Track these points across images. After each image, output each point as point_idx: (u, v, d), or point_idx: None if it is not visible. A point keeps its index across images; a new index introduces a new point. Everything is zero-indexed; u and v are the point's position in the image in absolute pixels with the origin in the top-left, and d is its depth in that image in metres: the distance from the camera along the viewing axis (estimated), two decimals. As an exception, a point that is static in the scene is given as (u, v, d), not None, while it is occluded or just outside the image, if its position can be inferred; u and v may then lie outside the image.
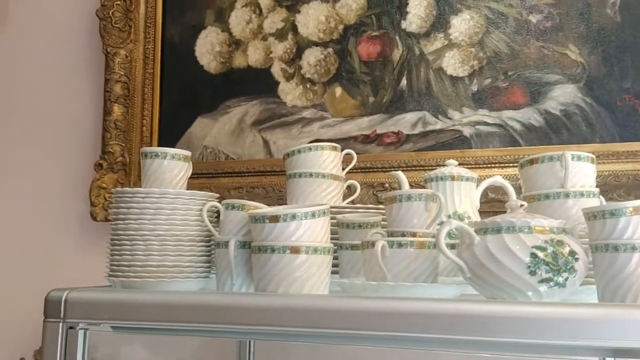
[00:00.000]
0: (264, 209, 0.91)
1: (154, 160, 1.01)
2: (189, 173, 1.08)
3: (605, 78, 1.38)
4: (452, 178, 1.13)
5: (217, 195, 1.08)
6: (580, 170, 0.92)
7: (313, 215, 0.84)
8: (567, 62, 1.41)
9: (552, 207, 0.90)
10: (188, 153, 1.08)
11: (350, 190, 1.29)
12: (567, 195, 0.90)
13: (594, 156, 0.97)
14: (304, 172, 1.11)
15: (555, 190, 0.90)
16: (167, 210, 0.96)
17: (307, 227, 0.84)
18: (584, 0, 1.41)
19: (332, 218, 1.00)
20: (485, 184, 1.15)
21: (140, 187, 1.05)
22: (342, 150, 1.23)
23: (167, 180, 1.00)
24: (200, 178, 1.61)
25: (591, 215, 0.79)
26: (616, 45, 1.38)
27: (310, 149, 1.13)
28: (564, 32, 1.42)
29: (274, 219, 0.83)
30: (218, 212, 1.01)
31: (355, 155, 1.26)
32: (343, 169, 1.23)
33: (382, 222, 1.07)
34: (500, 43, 1.46)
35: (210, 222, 1.00)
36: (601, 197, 0.95)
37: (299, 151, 1.13)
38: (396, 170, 1.45)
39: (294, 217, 0.83)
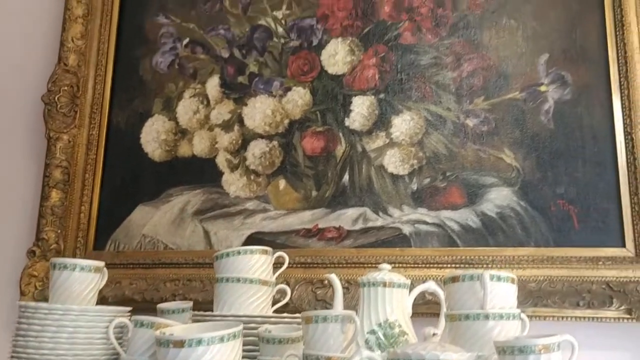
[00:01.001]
0: (171, 331, 0.86)
1: (62, 272, 0.98)
2: (102, 283, 1.04)
3: (540, 183, 1.41)
4: (384, 284, 1.11)
5: (128, 309, 1.04)
6: (500, 290, 0.92)
7: (222, 339, 0.81)
8: (502, 165, 1.44)
9: (472, 327, 0.88)
10: (100, 264, 1.05)
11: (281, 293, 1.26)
12: (486, 317, 0.89)
13: (514, 276, 0.97)
14: (231, 277, 1.08)
15: (475, 311, 0.89)
16: (70, 328, 0.91)
17: (215, 353, 0.80)
18: (519, 107, 1.46)
19: (254, 328, 0.96)
20: (417, 290, 1.14)
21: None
22: (275, 251, 1.21)
23: (75, 293, 0.96)
24: (136, 268, 1.56)
25: (501, 350, 0.77)
26: (550, 151, 1.42)
27: (239, 252, 1.11)
28: (499, 137, 1.46)
29: (179, 344, 0.79)
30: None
31: (286, 259, 1.24)
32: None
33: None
34: (439, 144, 1.49)
35: (119, 338, 0.95)
36: (523, 316, 0.95)
37: (227, 254, 1.11)
38: (336, 267, 1.46)
39: (200, 342, 0.79)
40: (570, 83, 1.44)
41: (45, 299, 1.53)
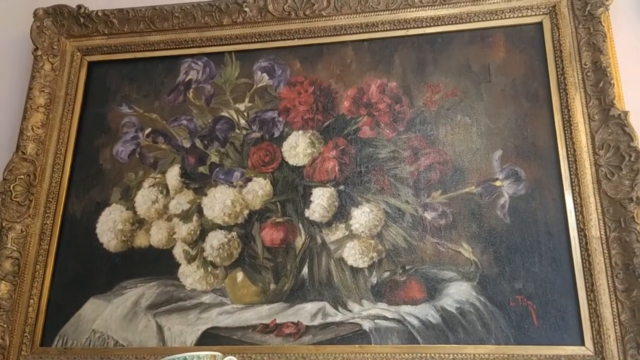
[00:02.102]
0: None
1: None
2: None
3: (498, 277, 1.41)
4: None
5: None
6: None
7: None
8: (461, 259, 1.44)
9: None
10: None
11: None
12: None
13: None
14: (175, 385, 1.02)
15: None
16: None
17: None
18: (475, 201, 1.48)
19: None
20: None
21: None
22: (225, 355, 1.17)
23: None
24: (83, 367, 1.48)
25: None
26: (507, 246, 1.43)
27: (185, 358, 1.06)
28: (457, 230, 1.47)
29: None
30: None
31: (236, 363, 1.19)
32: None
33: None
34: (398, 237, 1.49)
35: None
36: None
37: (172, 361, 1.06)
38: (294, 365, 1.40)
39: None
40: (523, 179, 1.47)
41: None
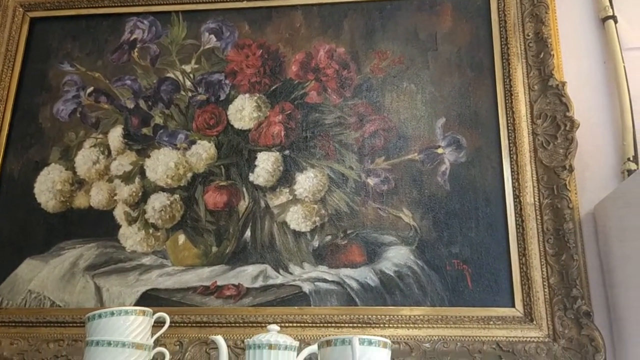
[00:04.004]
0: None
1: None
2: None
3: (436, 242, 1.44)
4: (270, 347, 1.09)
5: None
6: (372, 355, 0.90)
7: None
8: (401, 224, 1.46)
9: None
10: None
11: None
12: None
13: (387, 341, 0.97)
14: (101, 340, 1.01)
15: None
16: None
17: None
18: (417, 168, 1.50)
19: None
20: (304, 353, 1.12)
21: None
22: (154, 313, 1.16)
23: None
24: (18, 327, 1.45)
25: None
26: (445, 212, 1.46)
27: (112, 313, 1.05)
28: (398, 196, 1.48)
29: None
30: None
31: (167, 319, 1.18)
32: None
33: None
34: (341, 202, 1.50)
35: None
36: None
37: (99, 315, 1.04)
38: (233, 327, 1.41)
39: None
40: (465, 146, 1.50)
41: None
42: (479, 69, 1.55)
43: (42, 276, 1.51)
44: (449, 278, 1.41)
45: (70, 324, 1.44)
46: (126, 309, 1.06)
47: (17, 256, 1.53)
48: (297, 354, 1.12)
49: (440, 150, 1.50)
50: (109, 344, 1.00)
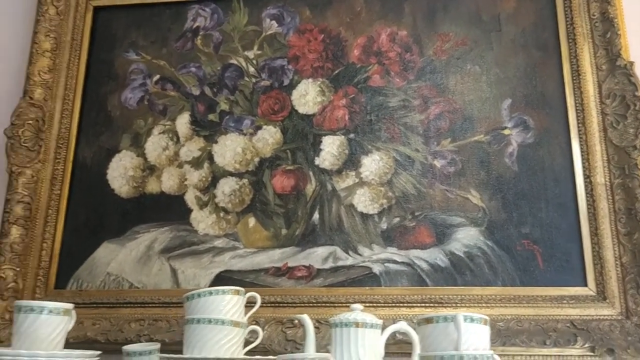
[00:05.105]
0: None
1: (28, 316, 0.94)
2: (70, 326, 1.01)
3: (505, 223, 1.45)
4: (356, 325, 1.12)
5: (97, 353, 1.01)
6: (473, 331, 0.93)
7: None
8: (469, 206, 1.48)
9: (448, 369, 0.89)
10: (69, 306, 1.01)
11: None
12: (461, 358, 0.90)
13: (487, 318, 0.99)
14: (202, 318, 1.06)
15: (449, 352, 0.90)
16: (36, 375, 0.87)
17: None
18: (484, 150, 1.51)
19: (228, 372, 0.94)
20: (389, 330, 1.14)
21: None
22: (246, 291, 1.20)
23: (42, 337, 0.93)
24: (99, 308, 1.51)
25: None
26: (514, 192, 1.47)
27: (211, 293, 1.09)
28: (466, 178, 1.50)
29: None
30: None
31: (259, 299, 1.23)
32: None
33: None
34: (408, 184, 1.52)
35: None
36: (496, 357, 0.96)
37: (199, 295, 1.09)
38: (306, 307, 1.45)
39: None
40: (532, 127, 1.50)
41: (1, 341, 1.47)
42: (544, 49, 1.55)
43: (119, 259, 1.56)
44: (519, 258, 1.42)
45: (150, 305, 1.50)
46: (223, 289, 1.11)
47: (94, 240, 1.59)
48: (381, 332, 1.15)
49: (507, 132, 1.51)
50: (209, 321, 1.05)
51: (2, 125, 1.65)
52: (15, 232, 1.56)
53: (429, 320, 0.97)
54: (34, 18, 1.73)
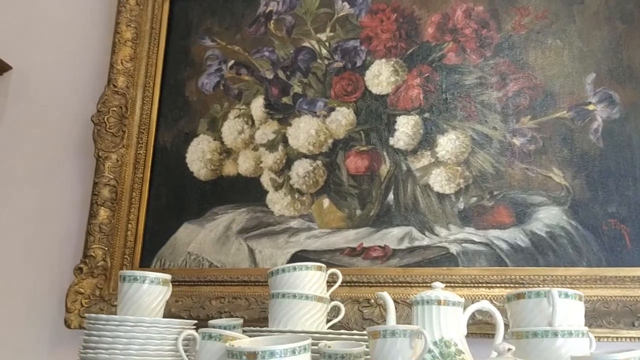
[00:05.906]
0: (242, 343, 0.87)
1: (132, 285, 0.99)
2: (168, 296, 1.05)
3: (590, 202, 1.40)
4: (439, 302, 1.10)
5: (194, 322, 1.04)
6: (568, 308, 0.90)
7: (293, 352, 0.81)
8: (551, 184, 1.43)
9: (540, 346, 0.87)
10: (167, 277, 1.06)
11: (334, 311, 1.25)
12: (555, 334, 0.87)
13: (582, 294, 0.96)
14: (287, 293, 1.08)
15: (543, 328, 0.88)
16: (141, 340, 0.92)
17: (286, 365, 0.80)
18: (567, 126, 1.46)
19: (313, 344, 0.96)
20: (472, 308, 1.12)
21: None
22: (327, 268, 1.21)
23: (144, 305, 0.97)
24: (181, 285, 1.57)
25: (580, 363, 0.76)
26: (599, 170, 1.41)
27: (295, 268, 1.11)
28: (547, 156, 1.45)
29: (252, 356, 0.79)
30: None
31: (340, 276, 1.24)
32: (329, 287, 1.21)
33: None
34: (486, 163, 1.49)
35: (186, 351, 0.96)
36: (591, 335, 0.93)
37: (283, 270, 1.11)
38: (382, 286, 1.45)
39: (272, 354, 0.79)
40: (618, 102, 1.43)
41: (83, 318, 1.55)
42: (630, 21, 1.47)
43: (199, 239, 1.62)
44: (605, 238, 1.37)
45: (229, 283, 1.54)
46: (306, 264, 1.12)
47: (175, 221, 1.65)
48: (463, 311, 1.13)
49: (591, 107, 1.45)
50: (294, 296, 1.07)
51: (88, 111, 1.73)
52: (103, 213, 1.65)
53: (520, 296, 0.95)
54: (114, 10, 1.81)
